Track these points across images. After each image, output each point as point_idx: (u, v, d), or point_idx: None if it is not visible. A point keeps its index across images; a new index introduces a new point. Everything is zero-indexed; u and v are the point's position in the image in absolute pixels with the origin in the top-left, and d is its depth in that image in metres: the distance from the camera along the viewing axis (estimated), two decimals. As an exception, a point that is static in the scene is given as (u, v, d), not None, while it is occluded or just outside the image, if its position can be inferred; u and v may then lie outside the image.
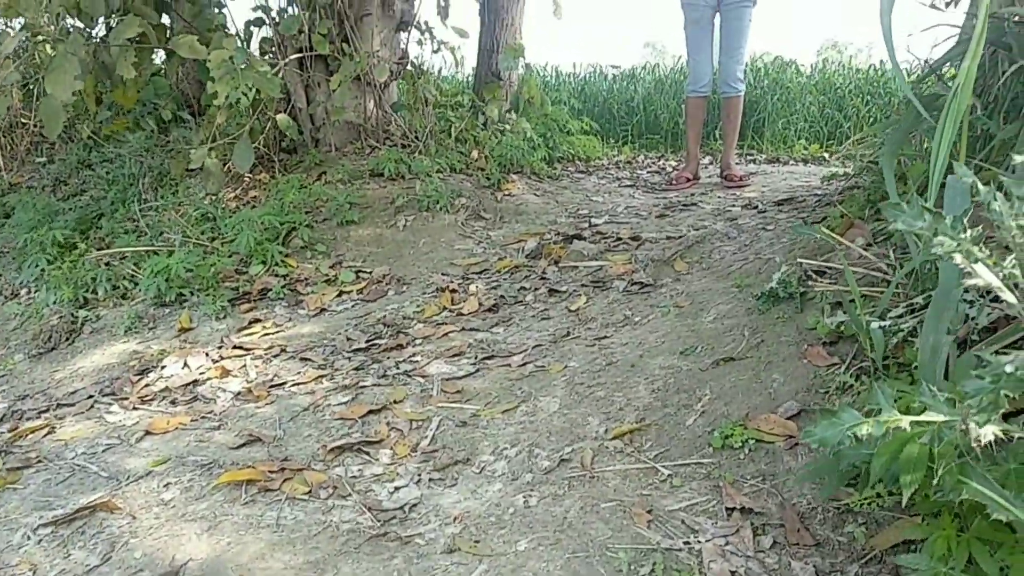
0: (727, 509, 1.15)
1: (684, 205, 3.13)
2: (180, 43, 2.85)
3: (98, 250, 3.40)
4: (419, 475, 1.37)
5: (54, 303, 2.68)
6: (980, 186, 0.66)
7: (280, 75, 3.19)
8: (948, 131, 0.89)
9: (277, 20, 3.55)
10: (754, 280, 1.89)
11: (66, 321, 2.52)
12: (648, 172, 4.25)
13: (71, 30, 2.85)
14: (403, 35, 3.88)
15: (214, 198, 3.34)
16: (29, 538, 1.29)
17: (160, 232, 3.50)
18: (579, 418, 1.49)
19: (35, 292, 2.99)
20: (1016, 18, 1.73)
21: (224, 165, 3.24)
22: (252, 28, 3.84)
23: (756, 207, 2.89)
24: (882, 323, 1.14)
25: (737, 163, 4.63)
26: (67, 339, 2.46)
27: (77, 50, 2.66)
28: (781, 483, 1.17)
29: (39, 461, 1.58)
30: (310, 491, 1.35)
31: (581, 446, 1.38)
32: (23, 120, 7.17)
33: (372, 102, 3.64)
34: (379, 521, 1.24)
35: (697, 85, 3.61)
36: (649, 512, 1.17)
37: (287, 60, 3.27)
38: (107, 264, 2.88)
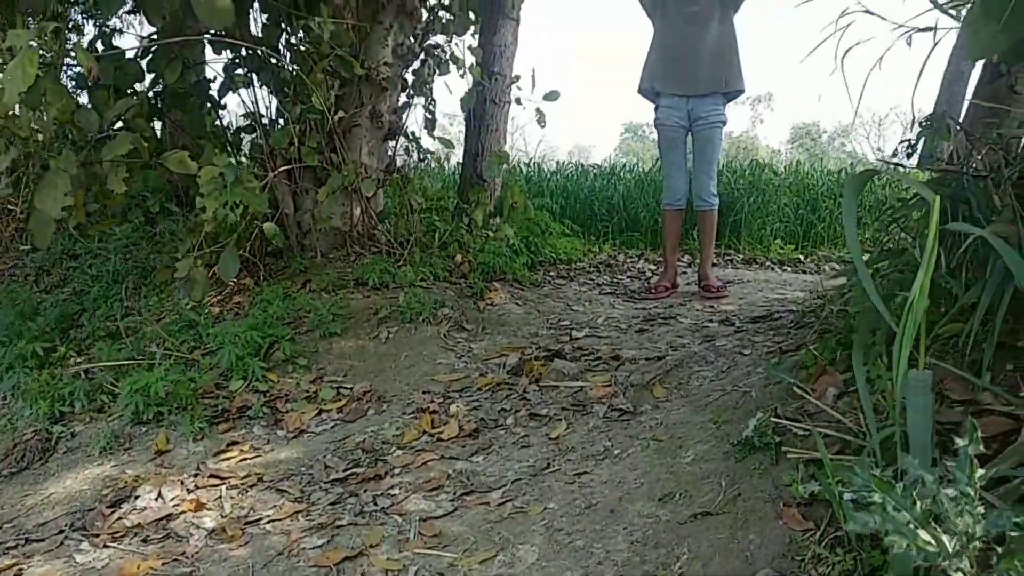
0: None
1: (663, 318, 3.18)
2: (170, 159, 2.92)
3: (78, 354, 3.40)
4: (394, 636, 1.35)
5: (30, 416, 2.65)
6: (927, 478, 0.69)
7: (268, 185, 3.27)
8: (908, 339, 0.93)
9: (267, 126, 3.66)
10: (731, 416, 1.92)
11: (40, 438, 2.48)
12: (628, 277, 4.33)
13: (64, 146, 2.89)
14: (390, 144, 4.00)
15: (198, 305, 3.35)
16: None
17: (142, 337, 3.50)
18: (557, 572, 1.48)
19: (10, 402, 2.96)
20: (973, 172, 1.83)
21: (209, 272, 3.27)
22: (242, 134, 3.96)
23: (733, 324, 2.95)
24: (853, 496, 1.16)
25: (715, 264, 4.73)
26: (40, 458, 2.42)
27: (69, 167, 2.72)
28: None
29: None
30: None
31: (559, 605, 1.37)
32: (9, 206, 7.21)
33: (359, 209, 3.72)
34: None
35: (672, 199, 3.74)
36: None
37: (276, 172, 3.35)
38: (86, 374, 2.86)
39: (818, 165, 7.63)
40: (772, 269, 5.05)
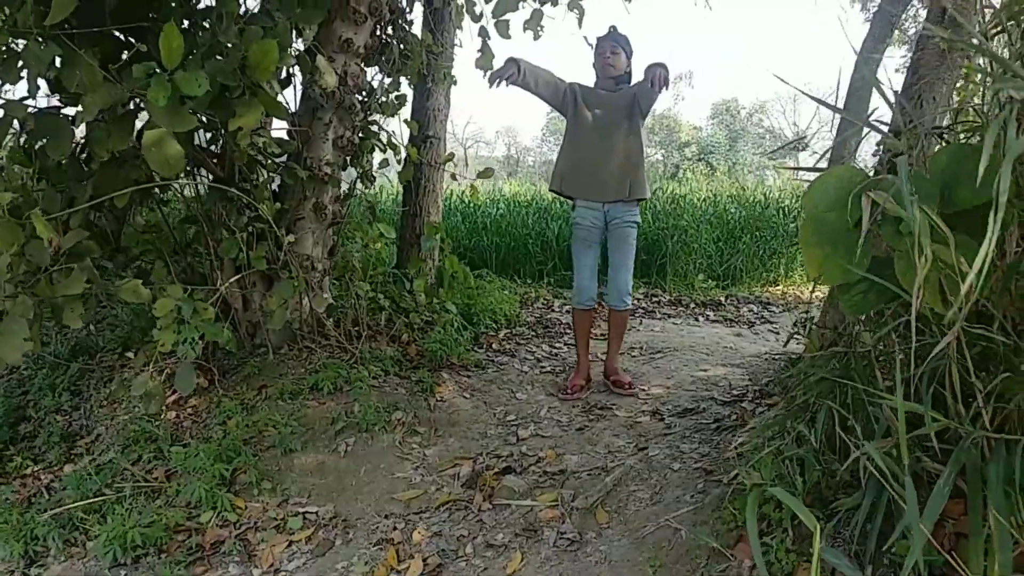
0: None
1: (600, 409, 3.48)
2: (124, 290, 3.02)
3: (34, 462, 3.47)
4: None
5: (3, 556, 2.74)
6: None
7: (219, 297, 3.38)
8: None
9: (211, 232, 3.75)
10: (666, 558, 2.21)
11: (21, 586, 2.59)
12: (564, 343, 4.62)
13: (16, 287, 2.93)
14: (331, 231, 4.13)
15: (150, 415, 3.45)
16: None
17: (95, 439, 3.59)
18: None
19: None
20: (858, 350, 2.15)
21: (165, 383, 3.38)
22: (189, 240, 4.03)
23: (662, 418, 3.26)
24: None
25: (642, 310, 5.05)
26: (19, 610, 2.53)
27: (25, 312, 2.79)
28: None
29: None
30: None
31: None
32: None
33: (307, 302, 3.86)
34: None
35: (582, 299, 3.76)
36: None
37: (228, 282, 3.46)
38: (56, 504, 2.95)
39: (734, 189, 8.07)
40: (696, 319, 5.41)
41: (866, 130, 2.04)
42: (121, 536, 2.61)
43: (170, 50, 2.55)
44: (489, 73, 3.71)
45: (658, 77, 3.28)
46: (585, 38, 5.06)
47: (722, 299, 5.98)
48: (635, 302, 5.97)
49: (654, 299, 6.03)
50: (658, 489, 2.65)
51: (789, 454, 2.04)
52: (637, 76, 3.68)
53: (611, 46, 3.68)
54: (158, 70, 2.60)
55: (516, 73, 3.54)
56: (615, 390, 3.71)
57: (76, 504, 2.87)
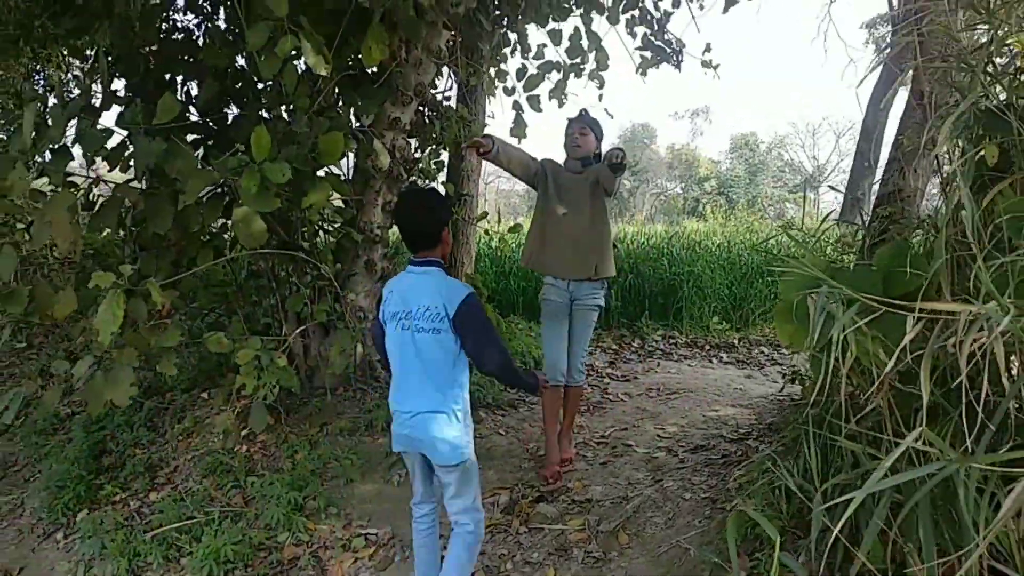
0: None
1: (624, 444, 3.92)
2: (210, 341, 3.53)
3: (122, 490, 3.96)
4: None
5: (113, 572, 3.22)
6: None
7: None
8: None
9: (276, 288, 4.27)
10: (677, 572, 2.64)
11: (130, 598, 3.07)
12: (590, 386, 5.06)
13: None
14: (380, 285, 4.63)
15: (227, 448, 3.94)
16: None
17: (173, 471, 4.09)
18: None
19: (82, 547, 3.51)
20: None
21: (239, 423, 3.88)
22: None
23: (676, 454, 3.69)
24: None
25: (660, 351, 5.47)
26: (133, 617, 3.01)
27: (131, 361, 3.30)
28: None
29: None
30: None
31: None
32: None
33: (360, 347, 4.35)
34: None
35: (554, 375, 3.66)
36: None
37: (295, 333, 3.97)
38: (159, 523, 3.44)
39: (750, 233, 8.49)
40: (710, 360, 5.83)
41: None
42: (215, 552, 3.09)
43: (259, 147, 3.09)
44: (468, 140, 4.10)
45: (610, 154, 3.29)
46: (606, 110, 5.61)
47: (735, 341, 6.40)
48: (654, 343, 6.41)
49: (671, 341, 6.46)
50: (671, 516, 3.08)
51: (777, 484, 2.48)
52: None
53: (580, 127, 3.69)
54: (249, 161, 3.13)
55: (491, 148, 3.51)
56: (539, 470, 3.66)
57: (171, 526, 3.36)
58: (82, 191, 3.48)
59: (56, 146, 3.13)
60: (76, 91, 12.26)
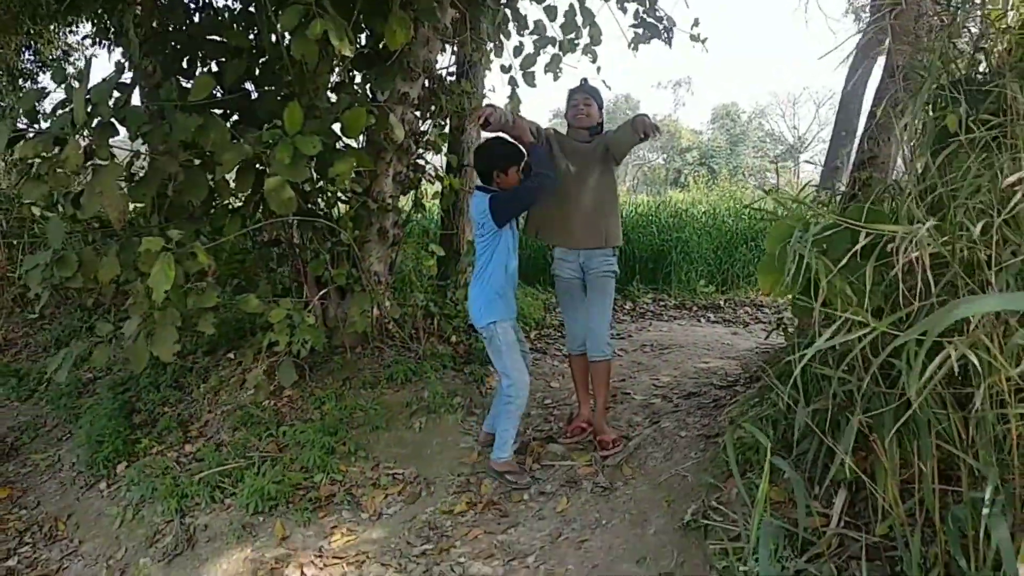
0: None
1: (623, 393, 4.28)
2: (244, 301, 3.84)
3: (159, 443, 4.26)
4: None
5: (163, 512, 3.55)
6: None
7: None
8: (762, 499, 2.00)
9: (299, 254, 4.56)
10: (677, 495, 3.01)
11: (184, 528, 3.40)
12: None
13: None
14: (391, 251, 4.94)
15: (256, 402, 4.26)
16: None
17: (204, 425, 4.40)
18: (583, 613, 2.53)
19: (129, 492, 3.82)
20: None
21: (269, 378, 4.19)
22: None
23: (671, 400, 4.06)
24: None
25: (650, 312, 5.84)
26: (188, 546, 3.34)
27: (175, 320, 3.60)
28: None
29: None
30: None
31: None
32: (8, 273, 7.85)
33: (376, 310, 4.67)
34: None
35: (574, 345, 3.75)
36: None
37: (319, 295, 4.28)
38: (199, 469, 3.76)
39: (734, 198, 8.84)
40: (698, 320, 6.21)
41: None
42: (258, 490, 3.42)
43: (292, 121, 3.37)
44: (471, 112, 4.38)
45: (645, 123, 3.29)
46: (604, 81, 5.91)
47: (721, 303, 6.78)
48: (644, 305, 6.78)
49: (660, 303, 6.83)
50: (669, 451, 3.45)
51: (763, 414, 2.84)
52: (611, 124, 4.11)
53: (584, 98, 3.68)
54: (283, 135, 3.40)
55: (492, 114, 3.36)
56: (601, 451, 3.57)
57: (215, 469, 3.68)
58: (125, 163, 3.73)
59: (103, 122, 3.38)
60: (70, 67, 12.32)
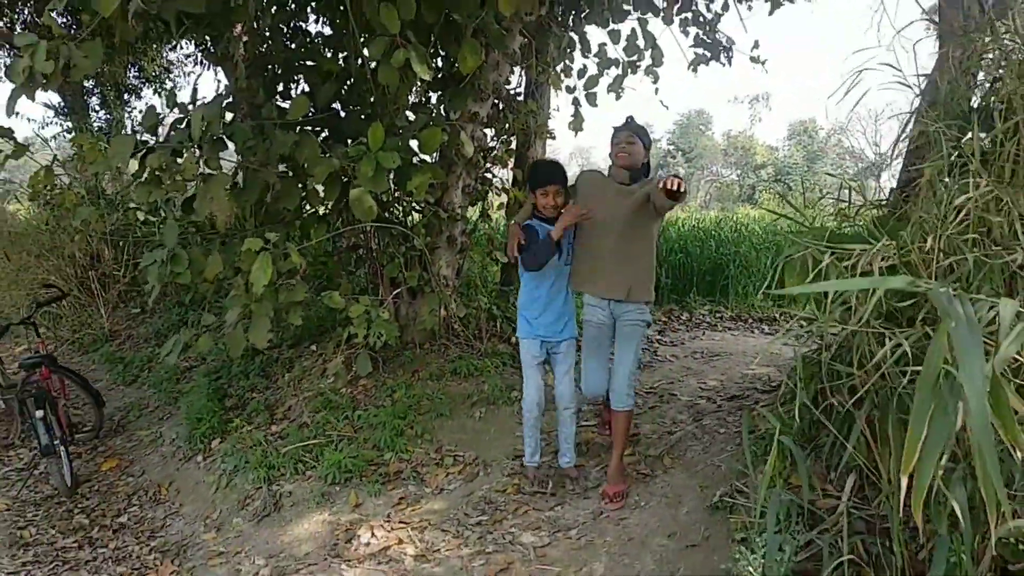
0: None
1: (670, 394, 4.56)
2: (328, 298, 4.30)
3: (248, 423, 4.76)
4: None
5: (253, 480, 4.04)
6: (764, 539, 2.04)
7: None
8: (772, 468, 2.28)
9: (376, 257, 5.03)
10: (710, 481, 3.29)
11: (272, 495, 3.87)
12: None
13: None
14: (459, 257, 5.36)
15: (334, 388, 4.72)
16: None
17: (289, 410, 4.87)
18: (616, 576, 2.86)
19: (223, 463, 4.33)
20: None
21: (347, 368, 4.66)
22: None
23: (715, 401, 4.33)
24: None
25: (704, 324, 6.07)
26: (275, 509, 3.80)
27: (268, 311, 4.09)
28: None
29: (323, 603, 2.91)
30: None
31: (619, 594, 2.75)
32: (115, 271, 8.61)
33: (444, 310, 5.09)
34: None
35: (592, 394, 3.65)
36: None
37: (393, 295, 4.73)
38: (282, 442, 4.24)
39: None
40: (751, 331, 6.41)
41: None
42: (337, 464, 3.87)
43: (375, 138, 3.82)
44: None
45: (671, 181, 2.97)
46: (661, 102, 6.22)
47: (776, 315, 6.95)
48: (700, 317, 7.01)
49: (717, 315, 7.04)
50: (708, 445, 3.73)
51: (786, 410, 3.11)
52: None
53: (627, 135, 3.45)
54: (367, 150, 3.86)
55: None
56: (602, 501, 3.44)
57: (299, 444, 4.15)
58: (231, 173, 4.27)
59: (215, 137, 3.90)
60: (168, 83, 13.30)
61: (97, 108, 12.93)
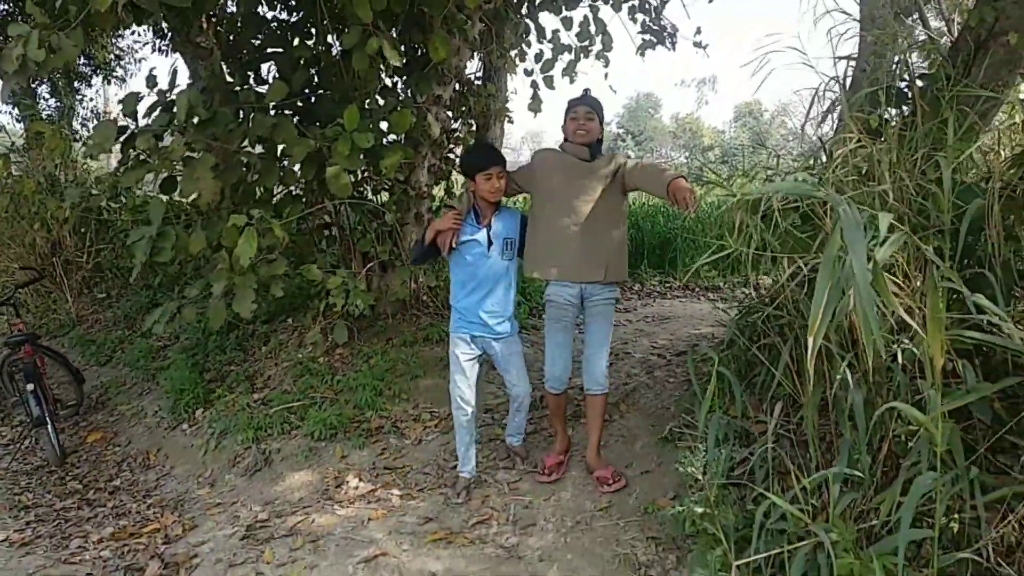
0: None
1: (625, 353, 4.99)
2: (307, 270, 4.60)
3: (230, 392, 5.03)
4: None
5: (242, 441, 4.33)
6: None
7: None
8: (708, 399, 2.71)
9: (347, 232, 5.32)
10: (661, 421, 3.73)
11: (261, 452, 4.17)
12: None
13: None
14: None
15: (313, 357, 5.03)
16: (351, 570, 2.98)
17: (270, 379, 5.16)
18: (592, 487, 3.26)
19: (210, 428, 4.61)
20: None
21: (325, 338, 4.97)
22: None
23: (665, 357, 4.77)
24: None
25: (656, 292, 6.53)
26: (266, 464, 4.11)
27: (251, 284, 4.37)
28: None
29: (321, 538, 3.26)
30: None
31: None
32: (77, 258, 8.71)
33: (414, 283, 5.43)
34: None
35: (555, 384, 3.47)
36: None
37: (367, 268, 5.04)
38: (266, 405, 4.54)
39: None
40: (698, 299, 6.90)
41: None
42: (322, 421, 4.19)
43: (350, 120, 4.12)
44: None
45: (686, 196, 2.95)
46: (611, 86, 6.62)
47: (721, 284, 7.46)
48: (651, 287, 7.48)
49: (666, 284, 7.53)
50: (659, 393, 4.17)
51: (727, 354, 3.55)
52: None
53: (586, 111, 3.34)
54: (342, 131, 4.16)
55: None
56: (600, 489, 3.35)
57: (284, 406, 4.46)
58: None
59: (198, 120, 4.15)
60: (120, 71, 13.18)
61: (47, 96, 12.78)
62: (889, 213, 1.86)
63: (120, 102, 4.44)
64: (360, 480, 3.75)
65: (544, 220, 3.34)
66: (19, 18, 10.50)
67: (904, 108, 3.42)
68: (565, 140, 3.41)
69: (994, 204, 2.26)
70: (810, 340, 1.73)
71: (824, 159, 3.37)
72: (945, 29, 4.48)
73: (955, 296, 2.27)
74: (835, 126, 4.17)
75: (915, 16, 4.37)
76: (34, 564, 3.42)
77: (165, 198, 4.77)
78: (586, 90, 3.56)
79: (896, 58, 3.62)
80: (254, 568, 3.13)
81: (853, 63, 4.14)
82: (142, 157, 4.22)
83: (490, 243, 3.40)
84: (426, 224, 5.49)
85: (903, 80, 3.37)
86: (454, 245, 3.39)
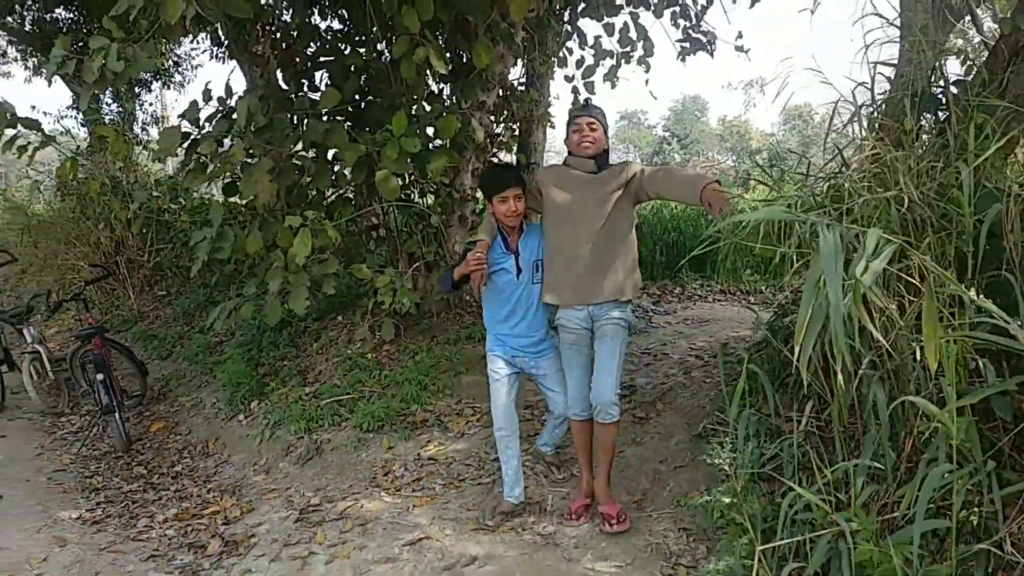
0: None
1: (663, 354, 5.09)
2: (356, 270, 4.82)
3: (283, 386, 5.28)
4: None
5: (295, 431, 4.56)
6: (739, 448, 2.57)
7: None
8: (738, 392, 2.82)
9: (395, 234, 5.53)
10: (694, 419, 3.83)
11: (313, 442, 4.40)
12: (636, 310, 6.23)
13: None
14: (470, 234, 5.86)
15: (361, 353, 5.25)
16: (396, 551, 3.16)
17: (320, 375, 5.39)
18: (618, 484, 3.39)
19: (265, 419, 4.86)
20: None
21: (373, 335, 5.18)
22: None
23: (703, 359, 4.86)
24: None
25: (696, 296, 6.60)
26: (317, 453, 4.33)
27: (304, 282, 4.60)
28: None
29: (369, 521, 3.45)
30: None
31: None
32: (139, 257, 9.11)
33: (457, 283, 5.60)
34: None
35: (577, 409, 3.31)
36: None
37: (412, 268, 5.24)
38: (316, 398, 4.76)
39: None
40: (739, 302, 6.95)
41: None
42: (370, 414, 4.40)
43: (399, 125, 4.32)
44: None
45: (719, 200, 3.01)
46: (650, 92, 6.72)
47: (763, 288, 7.48)
48: (692, 290, 7.54)
49: (707, 288, 7.58)
50: (695, 392, 4.26)
51: (760, 355, 3.64)
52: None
53: (589, 121, 3.20)
54: (391, 136, 4.36)
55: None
56: (602, 527, 3.15)
57: (335, 398, 4.68)
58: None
59: (258, 126, 4.40)
60: (178, 77, 13.69)
61: (110, 101, 13.36)
62: (878, 230, 1.94)
63: (180, 116, 4.73)
64: (406, 469, 3.93)
65: (554, 242, 3.24)
66: (84, 28, 11.05)
67: (939, 114, 3.47)
68: (569, 154, 3.29)
69: (1011, 207, 2.33)
70: (796, 350, 1.85)
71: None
72: (998, 32, 4.49)
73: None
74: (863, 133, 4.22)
75: (967, 19, 4.38)
76: (105, 540, 3.69)
77: (222, 200, 5.04)
78: (587, 100, 3.57)
79: (933, 64, 3.67)
80: (307, 547, 3.34)
81: (892, 69, 4.19)
82: (203, 160, 4.48)
83: (519, 270, 3.31)
84: (469, 226, 5.70)
85: (938, 87, 3.43)
86: (485, 284, 3.26)
